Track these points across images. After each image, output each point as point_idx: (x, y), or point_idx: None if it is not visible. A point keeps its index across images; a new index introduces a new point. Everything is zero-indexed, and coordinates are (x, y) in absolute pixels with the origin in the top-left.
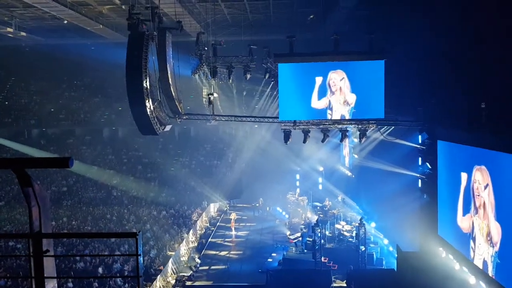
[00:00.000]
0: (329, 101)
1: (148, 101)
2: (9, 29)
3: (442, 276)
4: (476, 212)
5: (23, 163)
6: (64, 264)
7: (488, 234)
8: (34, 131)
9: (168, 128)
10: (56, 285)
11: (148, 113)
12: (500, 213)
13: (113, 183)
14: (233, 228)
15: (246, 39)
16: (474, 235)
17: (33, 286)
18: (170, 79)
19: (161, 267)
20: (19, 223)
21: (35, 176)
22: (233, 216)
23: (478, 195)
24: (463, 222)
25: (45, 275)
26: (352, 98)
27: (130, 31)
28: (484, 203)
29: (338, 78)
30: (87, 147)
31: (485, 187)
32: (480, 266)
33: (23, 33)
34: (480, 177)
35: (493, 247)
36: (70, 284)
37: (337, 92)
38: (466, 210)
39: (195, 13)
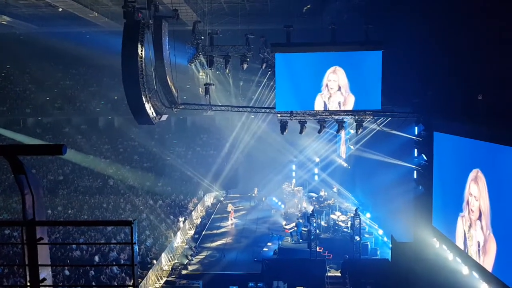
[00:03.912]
0: (324, 102)
1: (144, 90)
2: (5, 17)
3: (435, 266)
4: (471, 221)
5: (15, 150)
6: (61, 252)
7: (484, 246)
8: (29, 120)
9: (164, 117)
10: (51, 273)
11: (144, 102)
12: (495, 223)
13: (109, 173)
14: (231, 218)
15: (243, 29)
16: (468, 242)
17: (27, 274)
18: (166, 68)
19: (158, 256)
20: (15, 212)
21: (30, 164)
22: (230, 207)
23: (473, 206)
24: (458, 226)
25: (39, 263)
26: (351, 100)
27: (126, 19)
28: (477, 213)
29: (334, 79)
30: (82, 136)
31: (479, 199)
32: (474, 257)
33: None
34: (476, 191)
35: (485, 253)
36: (67, 272)
37: (336, 94)
38: (459, 213)
39: (191, 1)
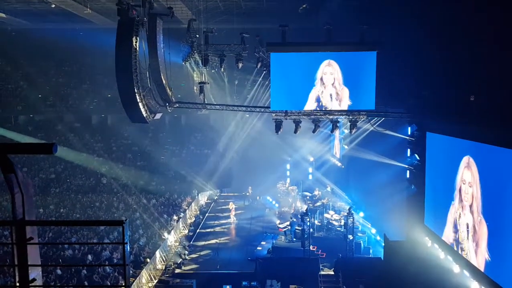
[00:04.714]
0: (318, 96)
1: (138, 89)
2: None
3: (427, 264)
4: (462, 208)
5: (5, 149)
6: (53, 251)
7: (474, 231)
8: (21, 117)
9: (158, 116)
10: (41, 273)
11: (138, 100)
12: (486, 210)
13: (102, 171)
14: (232, 216)
15: (239, 27)
16: (459, 228)
17: (17, 274)
18: (160, 66)
19: (151, 255)
20: (7, 210)
21: (22, 162)
22: (231, 205)
23: (467, 194)
24: (449, 215)
25: (29, 263)
26: (345, 93)
27: (120, 16)
28: (470, 199)
29: (330, 72)
30: (75, 134)
31: (472, 185)
32: (465, 256)
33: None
34: (469, 176)
35: (477, 245)
36: (59, 271)
37: (329, 87)
38: (451, 204)
39: None
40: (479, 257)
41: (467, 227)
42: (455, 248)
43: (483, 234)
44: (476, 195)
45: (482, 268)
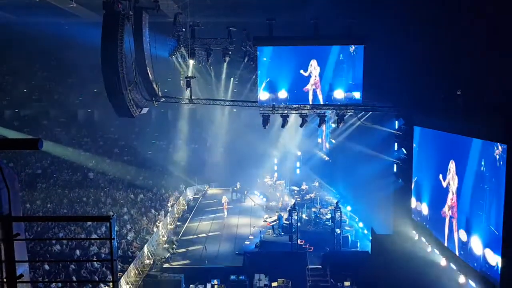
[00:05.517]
0: (306, 89)
1: (124, 83)
2: None
3: (414, 258)
4: (448, 200)
5: None
6: (40, 247)
7: (459, 221)
8: (6, 112)
9: (145, 110)
10: (28, 268)
11: (124, 95)
12: (469, 200)
13: (89, 166)
14: (225, 211)
15: (225, 21)
16: (445, 219)
17: (3, 270)
18: (146, 61)
19: (139, 250)
20: None
21: (8, 158)
22: (224, 199)
23: (453, 186)
24: (436, 208)
25: (16, 259)
26: (332, 87)
27: (105, 10)
28: (453, 190)
29: (315, 66)
30: (61, 129)
31: (456, 176)
32: (450, 248)
33: None
34: (453, 168)
35: (460, 233)
36: (47, 267)
37: (315, 80)
38: (437, 196)
39: None
40: (463, 247)
41: (453, 217)
42: (442, 240)
43: (466, 223)
44: (460, 186)
45: (470, 262)
